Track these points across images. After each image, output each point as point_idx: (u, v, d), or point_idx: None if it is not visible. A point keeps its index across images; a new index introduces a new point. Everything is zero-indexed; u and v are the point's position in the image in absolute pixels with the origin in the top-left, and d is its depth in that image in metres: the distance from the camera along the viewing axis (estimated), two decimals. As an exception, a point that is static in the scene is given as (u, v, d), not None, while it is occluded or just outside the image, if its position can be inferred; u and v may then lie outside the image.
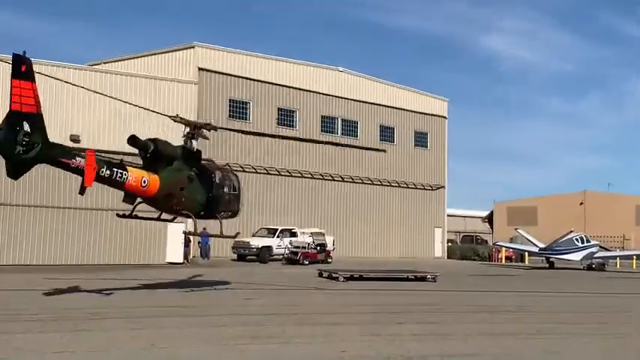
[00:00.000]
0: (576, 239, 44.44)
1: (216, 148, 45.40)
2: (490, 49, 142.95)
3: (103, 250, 32.36)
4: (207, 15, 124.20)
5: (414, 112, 58.63)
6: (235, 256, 40.93)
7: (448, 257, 59.61)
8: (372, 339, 11.88)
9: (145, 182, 18.06)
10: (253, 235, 40.99)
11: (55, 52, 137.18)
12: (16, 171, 15.77)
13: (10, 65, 15.20)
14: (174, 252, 34.60)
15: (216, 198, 20.10)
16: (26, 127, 15.21)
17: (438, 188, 60.04)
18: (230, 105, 46.91)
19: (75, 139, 35.24)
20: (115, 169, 17.18)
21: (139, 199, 18.86)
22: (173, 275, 26.36)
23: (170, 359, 9.49)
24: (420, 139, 59.27)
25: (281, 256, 39.62)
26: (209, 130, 21.12)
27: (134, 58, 48.50)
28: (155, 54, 47.58)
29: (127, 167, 17.74)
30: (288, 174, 49.28)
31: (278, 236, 40.47)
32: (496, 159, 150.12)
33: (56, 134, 34.51)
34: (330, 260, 40.23)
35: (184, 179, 19.09)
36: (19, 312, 14.40)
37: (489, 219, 75.80)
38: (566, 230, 47.16)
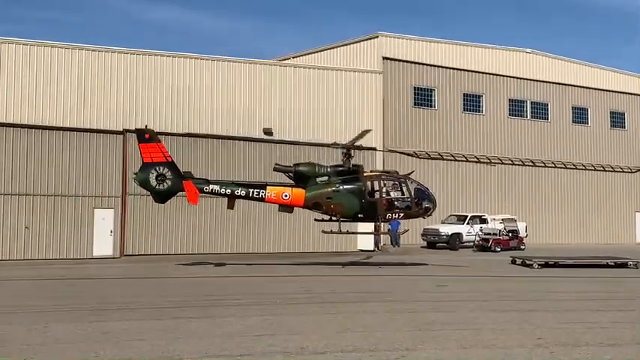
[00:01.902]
0: None
1: (401, 135, 45.67)
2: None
3: (295, 239, 34.10)
4: (390, 4, 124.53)
5: (609, 91, 55.65)
6: (425, 243, 40.97)
7: (652, 243, 56.19)
8: (569, 326, 11.54)
9: (286, 196, 24.44)
10: (442, 222, 40.77)
11: (247, 48, 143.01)
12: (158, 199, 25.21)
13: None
14: (364, 240, 35.28)
15: (372, 204, 24.64)
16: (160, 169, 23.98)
17: (638, 170, 56.69)
18: (415, 93, 46.86)
19: (268, 131, 36.68)
20: (252, 190, 24.51)
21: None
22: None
23: (363, 343, 9.74)
24: (617, 120, 56.16)
25: (471, 243, 39.14)
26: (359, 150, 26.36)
27: (321, 51, 49.80)
28: (341, 46, 48.58)
29: (267, 186, 24.64)
30: (476, 160, 48.51)
31: (468, 223, 39.94)
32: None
33: (251, 127, 36.42)
34: (523, 247, 39.20)
35: (330, 191, 24.42)
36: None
37: (697, 201, 70.47)
38: None
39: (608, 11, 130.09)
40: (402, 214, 25.30)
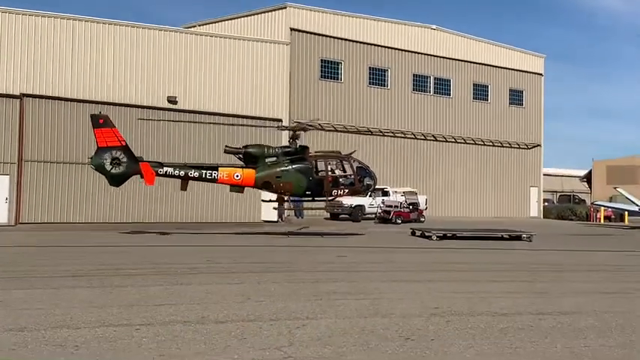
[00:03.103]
0: (679, 198, 42.83)
1: (307, 108, 45.75)
2: (587, 2, 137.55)
3: (203, 209, 33.99)
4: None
5: (509, 69, 57.33)
6: (328, 215, 41.35)
7: (544, 217, 58.51)
8: (465, 296, 11.91)
9: (237, 176, 25.60)
10: (346, 195, 41.19)
11: (149, 16, 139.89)
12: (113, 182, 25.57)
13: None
14: (268, 211, 35.44)
15: (318, 182, 26.10)
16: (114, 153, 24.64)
17: (534, 147, 58.74)
18: (322, 65, 47.01)
19: (172, 100, 36.12)
20: (204, 171, 25.49)
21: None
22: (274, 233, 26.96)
23: (264, 312, 9.78)
24: (516, 97, 57.99)
25: (373, 215, 39.76)
26: (305, 130, 27.89)
27: (227, 20, 49.17)
28: (248, 15, 48.07)
29: (219, 167, 25.73)
30: (380, 133, 49.17)
31: (370, 195, 40.51)
32: (595, 116, 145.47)
33: (155, 96, 35.71)
34: (422, 219, 40.14)
35: (279, 171, 25.74)
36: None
37: (587, 178, 73.59)
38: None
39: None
40: (346, 191, 27.02)
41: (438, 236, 26.51)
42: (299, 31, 45.53)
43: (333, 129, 46.50)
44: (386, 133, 49.43)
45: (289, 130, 27.22)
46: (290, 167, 26.03)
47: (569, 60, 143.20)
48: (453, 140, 53.42)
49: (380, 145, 49.17)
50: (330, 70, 47.47)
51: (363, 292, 12.08)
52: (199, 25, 49.67)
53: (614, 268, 17.99)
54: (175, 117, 34.62)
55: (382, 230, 32.50)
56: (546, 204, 65.32)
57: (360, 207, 40.13)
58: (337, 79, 47.74)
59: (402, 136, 50.18)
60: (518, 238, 27.47)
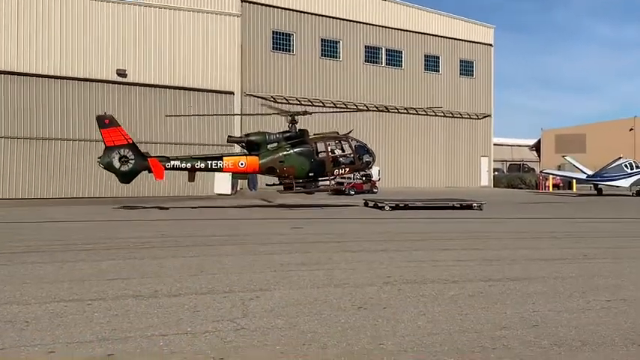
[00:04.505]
0: (625, 165, 43.84)
1: (262, 80, 45.50)
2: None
3: (156, 183, 33.57)
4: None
5: (460, 40, 57.73)
6: (282, 187, 41.29)
7: (495, 186, 59.40)
8: (417, 265, 12.06)
9: (242, 164, 26.45)
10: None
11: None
12: (124, 179, 25.82)
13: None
14: (221, 184, 35.34)
15: (320, 163, 27.24)
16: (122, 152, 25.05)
17: (484, 117, 59.41)
18: (274, 37, 46.72)
19: (121, 73, 35.59)
20: (210, 161, 26.14)
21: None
22: (227, 204, 26.89)
23: (217, 285, 9.78)
24: (466, 68, 58.47)
25: (327, 187, 39.86)
26: (304, 115, 28.33)
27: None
28: (197, -14, 47.41)
29: (224, 157, 26.45)
30: (332, 105, 49.17)
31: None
32: (544, 87, 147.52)
33: (103, 69, 35.15)
34: (375, 190, 40.42)
35: (281, 155, 26.73)
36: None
37: (537, 147, 74.94)
38: (615, 157, 46.49)
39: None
40: (347, 169, 28.13)
41: (390, 207, 26.76)
42: (250, 2, 45.12)
43: (285, 101, 46.36)
44: (338, 105, 49.46)
45: (290, 115, 27.99)
46: (292, 151, 26.94)
47: (520, 30, 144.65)
48: (405, 111, 53.74)
49: (332, 117, 49.18)
50: (282, 41, 47.21)
51: (317, 262, 12.14)
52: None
53: (563, 234, 18.36)
54: (129, 90, 34.31)
55: (336, 202, 32.63)
56: (496, 173, 66.34)
57: (314, 179, 40.15)
58: (289, 51, 47.53)
59: (355, 108, 50.29)
60: (469, 207, 27.86)
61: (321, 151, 27.58)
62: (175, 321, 7.66)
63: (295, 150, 27.07)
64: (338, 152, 27.92)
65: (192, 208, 27.23)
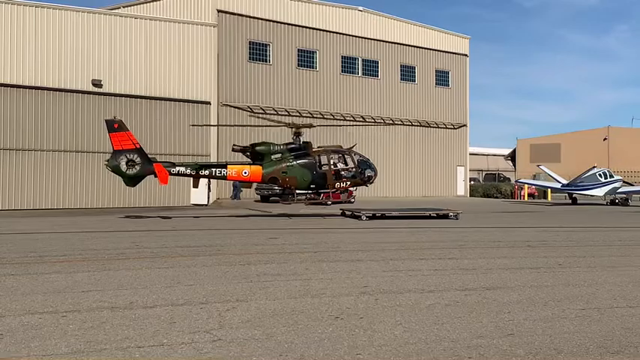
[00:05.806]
0: (599, 174, 44.25)
1: (238, 90, 45.45)
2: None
3: (132, 194, 33.50)
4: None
5: (435, 50, 58.06)
6: (259, 197, 41.27)
7: (470, 195, 59.71)
8: (394, 274, 12.09)
9: (245, 173, 26.99)
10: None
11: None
12: (130, 183, 26.70)
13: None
14: (198, 195, 35.24)
15: (322, 175, 27.80)
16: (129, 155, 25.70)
17: (460, 127, 59.77)
18: (250, 47, 46.71)
19: (97, 83, 35.41)
20: (214, 169, 26.90)
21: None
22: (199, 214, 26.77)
23: (194, 296, 9.74)
24: (442, 78, 58.81)
25: (304, 197, 39.81)
26: (310, 128, 29.55)
27: (152, 1, 48.26)
28: (173, -3, 47.33)
29: (228, 165, 27.09)
30: (309, 115, 49.22)
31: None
32: (519, 96, 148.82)
33: (78, 80, 34.93)
34: (352, 200, 40.41)
35: (284, 166, 27.34)
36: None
37: (512, 157, 75.50)
38: (589, 166, 46.95)
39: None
40: (348, 183, 28.57)
41: (367, 216, 26.83)
42: (226, 12, 45.10)
43: (262, 112, 46.33)
44: (315, 115, 49.52)
45: (295, 127, 28.56)
46: (295, 162, 27.57)
47: (495, 41, 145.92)
48: (382, 121, 53.92)
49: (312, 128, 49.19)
50: (258, 52, 47.21)
51: (294, 273, 12.14)
52: (124, 7, 48.68)
53: (538, 243, 18.50)
54: (106, 101, 34.20)
55: (313, 211, 32.63)
56: (472, 183, 66.74)
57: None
58: (266, 61, 47.54)
59: (332, 117, 50.37)
60: (446, 216, 27.99)
61: (323, 164, 28.16)
62: (152, 333, 7.61)
63: (298, 162, 27.67)
64: (340, 165, 28.41)
65: (164, 218, 27.09)
